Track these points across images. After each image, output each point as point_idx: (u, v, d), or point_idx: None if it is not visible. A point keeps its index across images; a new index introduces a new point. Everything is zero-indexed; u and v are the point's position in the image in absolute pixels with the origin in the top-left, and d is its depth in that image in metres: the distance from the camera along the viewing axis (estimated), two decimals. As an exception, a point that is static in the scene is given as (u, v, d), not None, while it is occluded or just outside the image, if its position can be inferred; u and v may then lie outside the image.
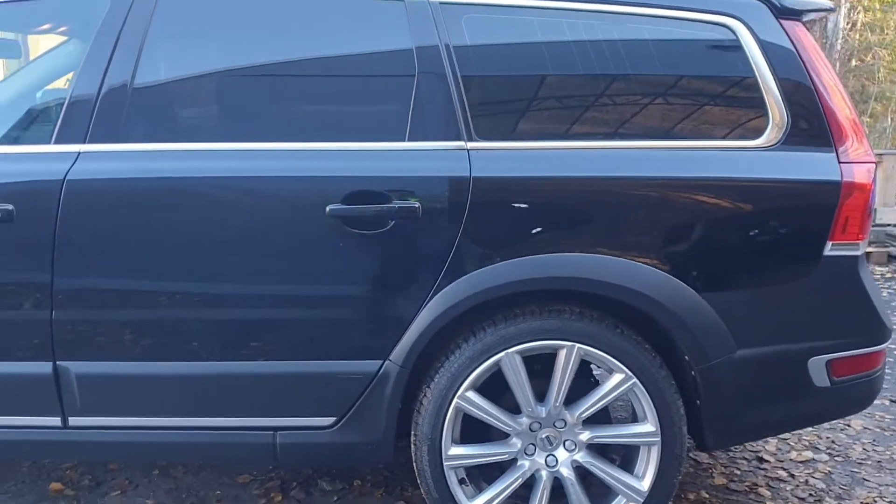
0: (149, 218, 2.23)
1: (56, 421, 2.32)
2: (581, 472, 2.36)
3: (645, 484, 2.32)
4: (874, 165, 2.35)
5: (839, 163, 2.30)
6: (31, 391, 2.29)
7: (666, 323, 2.24)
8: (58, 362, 2.27)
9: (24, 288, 2.26)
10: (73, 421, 2.32)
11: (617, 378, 2.27)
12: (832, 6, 2.66)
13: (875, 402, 3.72)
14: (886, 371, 4.18)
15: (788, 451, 3.23)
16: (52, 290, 2.23)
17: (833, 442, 3.32)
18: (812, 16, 2.57)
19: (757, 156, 2.30)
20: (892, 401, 3.81)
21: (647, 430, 2.30)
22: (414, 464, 2.35)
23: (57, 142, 2.27)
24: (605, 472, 2.33)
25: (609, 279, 2.22)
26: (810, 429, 3.45)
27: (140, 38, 2.29)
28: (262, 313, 2.26)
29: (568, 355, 2.25)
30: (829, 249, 2.28)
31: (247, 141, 2.27)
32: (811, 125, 2.32)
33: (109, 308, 2.26)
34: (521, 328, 2.26)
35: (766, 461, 3.13)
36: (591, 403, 2.30)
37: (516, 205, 2.23)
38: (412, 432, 2.34)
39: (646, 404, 2.28)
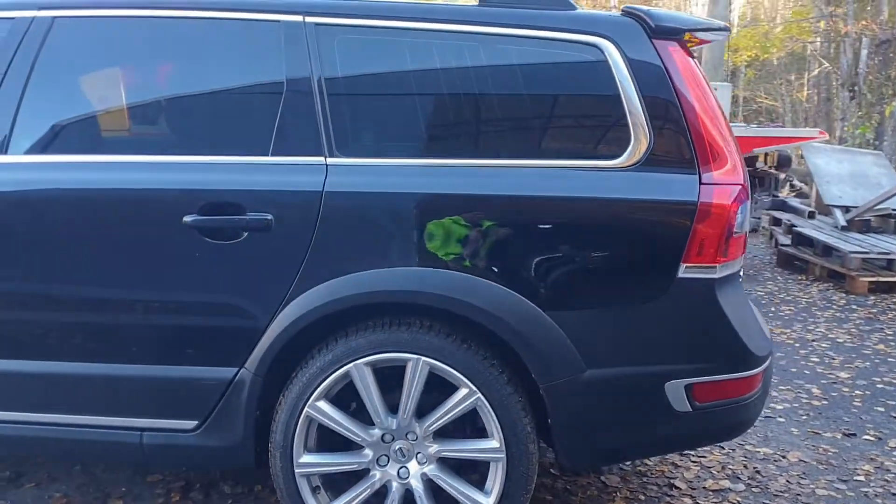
0: (22, 224, 2.38)
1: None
2: (434, 485, 2.37)
3: (491, 501, 2.32)
4: (739, 188, 2.31)
5: (700, 184, 2.27)
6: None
7: (508, 339, 2.25)
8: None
9: None
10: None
11: (462, 392, 2.29)
12: (720, 25, 2.62)
13: (825, 434, 3.61)
14: (855, 404, 4.04)
15: (705, 479, 3.14)
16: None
17: (758, 472, 3.22)
18: (705, 35, 2.56)
19: (614, 175, 2.29)
20: (845, 434, 3.65)
21: (491, 446, 2.31)
22: (270, 470, 2.41)
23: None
24: (453, 486, 2.35)
25: (448, 293, 2.24)
26: (741, 457, 3.36)
27: (30, 62, 2.44)
28: (124, 318, 2.37)
29: (414, 368, 2.28)
30: (682, 271, 2.25)
31: (116, 153, 2.41)
32: (675, 146, 2.31)
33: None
34: (371, 340, 2.30)
35: (678, 488, 3.06)
36: (437, 417, 2.32)
37: (364, 218, 2.29)
38: (269, 439, 2.40)
39: (491, 420, 2.29)
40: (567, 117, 2.42)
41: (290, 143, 2.35)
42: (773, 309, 6.19)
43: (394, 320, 2.33)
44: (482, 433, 2.35)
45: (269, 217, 2.28)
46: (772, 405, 4.00)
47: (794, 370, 4.62)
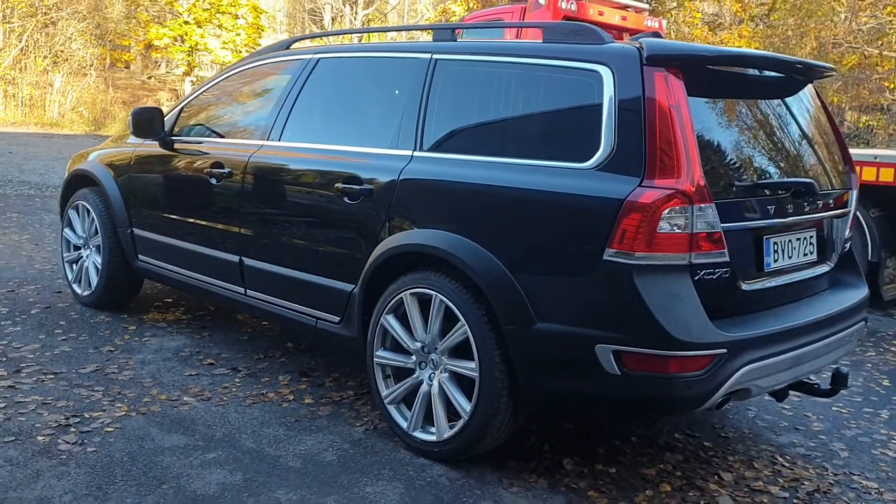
0: (271, 188, 4.01)
1: (241, 290, 4.25)
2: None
3: (469, 407, 3.15)
4: (672, 192, 2.72)
5: (637, 187, 2.76)
6: (231, 270, 4.26)
7: (479, 284, 3.05)
8: (241, 257, 4.20)
9: (231, 221, 4.24)
10: (249, 293, 4.23)
11: (459, 323, 3.16)
12: (728, 54, 2.87)
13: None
14: None
15: (756, 481, 3.28)
16: (240, 221, 4.17)
17: (826, 493, 3.19)
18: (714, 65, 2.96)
19: (575, 173, 2.93)
20: None
21: (470, 366, 3.13)
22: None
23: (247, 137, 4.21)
24: (450, 392, 3.23)
25: (449, 249, 3.14)
26: (831, 479, 3.32)
27: (303, 83, 4.06)
28: (305, 244, 3.83)
29: (435, 301, 3.24)
30: (607, 255, 2.79)
31: (314, 142, 3.92)
32: (631, 156, 2.84)
33: (254, 232, 4.09)
34: (414, 278, 3.33)
35: (721, 479, 3.29)
36: (446, 338, 3.23)
37: (415, 193, 3.34)
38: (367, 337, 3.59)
39: (473, 347, 3.12)
40: (565, 127, 3.09)
41: (400, 139, 3.50)
42: None
43: (432, 267, 3.30)
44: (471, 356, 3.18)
45: (372, 188, 3.48)
46: (959, 459, 3.61)
47: None
